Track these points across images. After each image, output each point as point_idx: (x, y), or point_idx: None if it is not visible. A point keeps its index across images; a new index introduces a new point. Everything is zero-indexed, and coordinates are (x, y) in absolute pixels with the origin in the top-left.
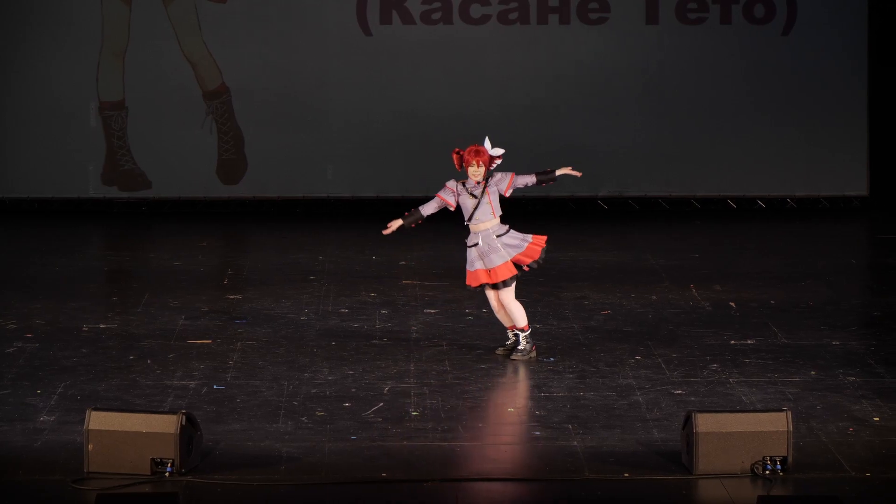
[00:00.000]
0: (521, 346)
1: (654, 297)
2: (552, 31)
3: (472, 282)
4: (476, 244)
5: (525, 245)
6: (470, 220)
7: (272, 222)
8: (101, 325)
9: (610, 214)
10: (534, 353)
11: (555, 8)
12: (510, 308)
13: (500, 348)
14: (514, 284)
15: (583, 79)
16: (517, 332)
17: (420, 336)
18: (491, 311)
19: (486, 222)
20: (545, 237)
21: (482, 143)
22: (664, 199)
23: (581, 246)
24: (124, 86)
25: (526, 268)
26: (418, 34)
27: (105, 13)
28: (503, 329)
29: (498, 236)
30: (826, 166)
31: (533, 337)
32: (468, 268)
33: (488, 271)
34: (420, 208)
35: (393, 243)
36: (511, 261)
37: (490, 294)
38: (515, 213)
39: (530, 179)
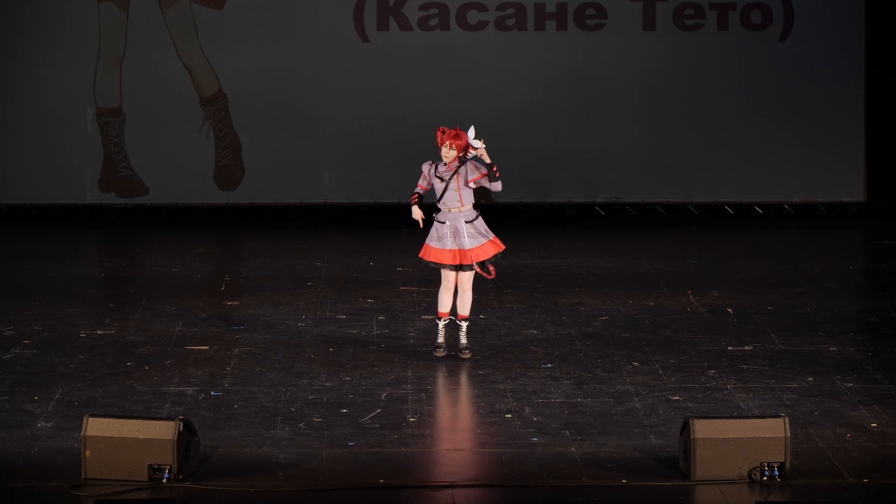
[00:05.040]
0: (466, 341)
1: (651, 304)
2: (549, 38)
3: (430, 257)
4: (444, 222)
5: (487, 239)
6: (439, 201)
7: (269, 228)
8: (99, 332)
9: (607, 221)
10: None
11: (552, 14)
12: (469, 294)
13: (466, 350)
14: (473, 271)
15: (580, 85)
16: (462, 320)
17: (417, 342)
18: (488, 317)
19: (454, 208)
20: (503, 247)
21: (468, 129)
22: (661, 205)
23: (578, 252)
24: (121, 92)
25: (487, 275)
26: (415, 40)
27: (102, 20)
28: (500, 334)
29: (467, 222)
30: (823, 172)
31: (530, 343)
32: (429, 242)
33: (464, 252)
34: (416, 194)
35: (390, 249)
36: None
37: (450, 275)
38: (513, 218)
39: (495, 186)
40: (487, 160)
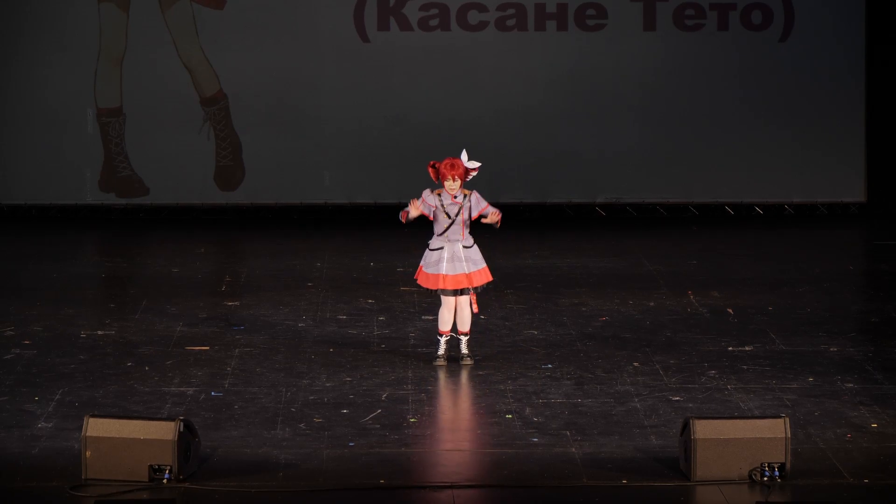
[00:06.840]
0: (466, 351)
1: (651, 304)
2: (550, 38)
3: (429, 284)
4: (441, 248)
5: (482, 265)
6: (441, 234)
7: (269, 229)
8: (99, 332)
9: (607, 221)
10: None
11: (552, 14)
12: (468, 311)
13: (467, 358)
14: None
15: (580, 85)
16: (462, 335)
17: (418, 342)
18: (488, 317)
19: (455, 241)
20: (491, 278)
21: (459, 156)
22: (661, 205)
23: (578, 252)
24: (122, 92)
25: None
26: (416, 40)
27: (102, 20)
28: (501, 334)
29: (465, 248)
30: (824, 173)
31: (531, 343)
32: (426, 269)
33: (468, 276)
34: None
35: (390, 249)
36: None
37: (450, 298)
38: (513, 218)
39: (487, 214)
40: (495, 218)
